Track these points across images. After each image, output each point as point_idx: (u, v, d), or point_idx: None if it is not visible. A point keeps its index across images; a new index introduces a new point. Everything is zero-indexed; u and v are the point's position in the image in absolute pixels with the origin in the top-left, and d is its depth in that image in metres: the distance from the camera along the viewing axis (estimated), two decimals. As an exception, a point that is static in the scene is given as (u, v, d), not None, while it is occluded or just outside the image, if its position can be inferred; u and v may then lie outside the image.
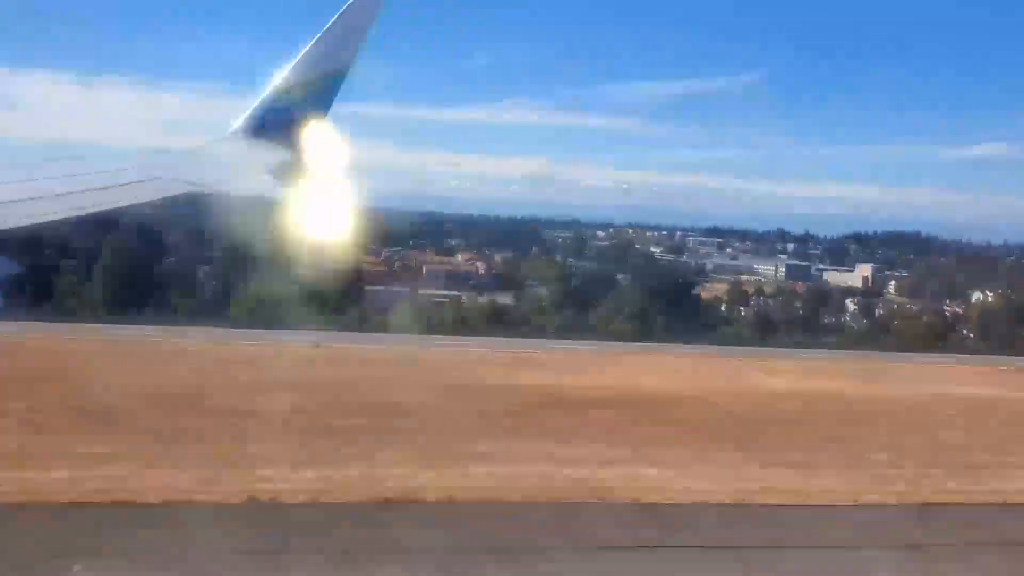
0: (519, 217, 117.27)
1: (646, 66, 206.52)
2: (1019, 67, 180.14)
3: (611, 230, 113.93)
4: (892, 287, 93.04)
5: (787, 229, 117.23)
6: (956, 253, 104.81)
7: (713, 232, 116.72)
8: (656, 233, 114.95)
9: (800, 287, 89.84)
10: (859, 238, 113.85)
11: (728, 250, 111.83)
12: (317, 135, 9.10)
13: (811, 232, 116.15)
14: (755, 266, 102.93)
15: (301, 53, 8.82)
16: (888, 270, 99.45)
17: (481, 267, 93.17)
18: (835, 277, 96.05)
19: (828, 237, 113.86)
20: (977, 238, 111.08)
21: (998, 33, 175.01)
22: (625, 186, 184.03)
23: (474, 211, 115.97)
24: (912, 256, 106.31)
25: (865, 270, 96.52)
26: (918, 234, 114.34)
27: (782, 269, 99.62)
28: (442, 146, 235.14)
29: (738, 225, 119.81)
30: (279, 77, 8.87)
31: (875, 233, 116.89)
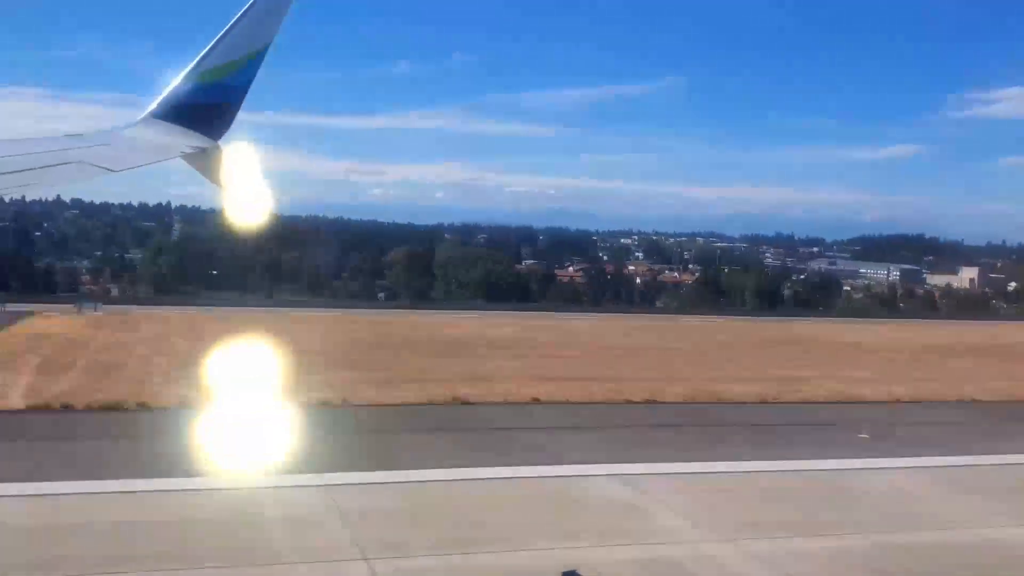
0: (455, 224, 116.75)
1: (565, 73, 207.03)
2: (923, 74, 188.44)
3: (634, 236, 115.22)
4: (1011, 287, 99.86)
5: (789, 233, 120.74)
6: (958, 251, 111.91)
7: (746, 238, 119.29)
8: (676, 239, 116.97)
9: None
10: (866, 241, 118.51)
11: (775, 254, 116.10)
12: (232, 121, 8.92)
13: (814, 236, 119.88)
14: (862, 270, 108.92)
15: (217, 35, 8.60)
16: (992, 273, 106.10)
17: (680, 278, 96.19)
18: (938, 279, 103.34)
19: (838, 240, 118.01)
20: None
21: (905, 38, 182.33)
22: (552, 192, 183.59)
23: (401, 219, 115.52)
24: (931, 258, 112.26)
25: (971, 273, 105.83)
26: (922, 236, 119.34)
27: (895, 273, 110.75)
28: (364, 154, 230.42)
29: (664, 227, 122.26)
30: (195, 60, 8.63)
31: (880, 235, 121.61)
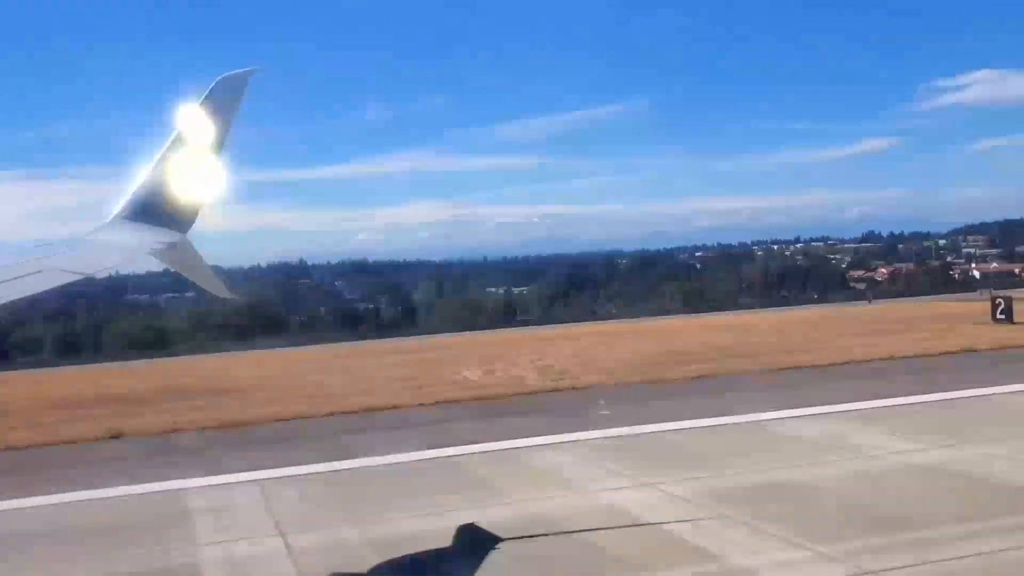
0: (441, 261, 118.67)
1: (534, 104, 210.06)
2: (887, 67, 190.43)
3: (779, 247, 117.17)
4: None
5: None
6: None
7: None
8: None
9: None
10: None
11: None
12: (199, 213, 9.17)
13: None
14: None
15: (173, 134, 8.90)
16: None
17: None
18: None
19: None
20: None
21: (860, 38, 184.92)
22: (536, 220, 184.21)
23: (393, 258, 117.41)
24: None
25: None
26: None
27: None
28: (345, 202, 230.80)
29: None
30: (154, 158, 8.91)
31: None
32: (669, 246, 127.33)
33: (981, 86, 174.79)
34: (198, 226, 9.41)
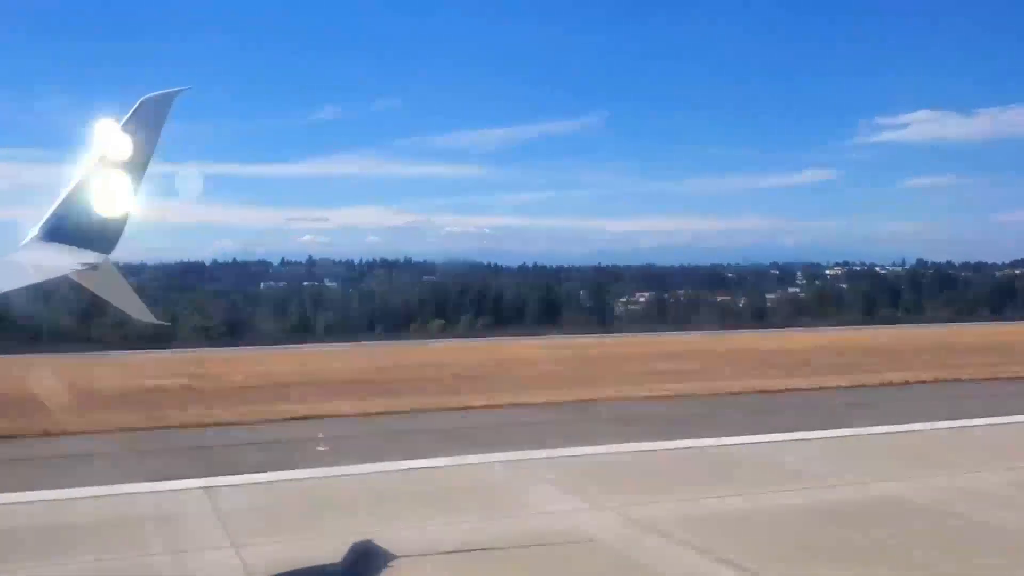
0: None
1: (488, 114, 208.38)
2: (833, 102, 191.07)
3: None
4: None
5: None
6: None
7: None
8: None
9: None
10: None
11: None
12: (122, 234, 8.89)
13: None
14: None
15: (93, 151, 8.64)
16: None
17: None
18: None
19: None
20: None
21: (809, 72, 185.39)
22: (487, 231, 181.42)
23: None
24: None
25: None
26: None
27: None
28: (294, 202, 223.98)
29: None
30: (75, 178, 8.64)
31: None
32: (616, 263, 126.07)
33: (922, 125, 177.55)
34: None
